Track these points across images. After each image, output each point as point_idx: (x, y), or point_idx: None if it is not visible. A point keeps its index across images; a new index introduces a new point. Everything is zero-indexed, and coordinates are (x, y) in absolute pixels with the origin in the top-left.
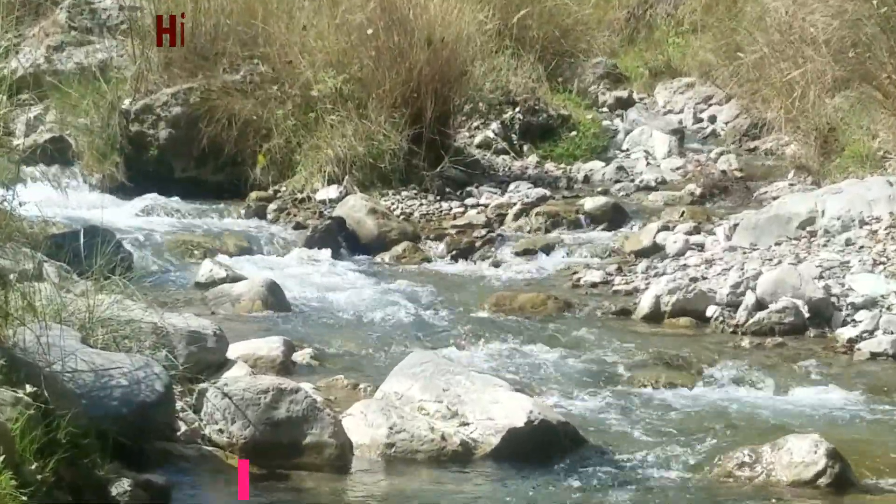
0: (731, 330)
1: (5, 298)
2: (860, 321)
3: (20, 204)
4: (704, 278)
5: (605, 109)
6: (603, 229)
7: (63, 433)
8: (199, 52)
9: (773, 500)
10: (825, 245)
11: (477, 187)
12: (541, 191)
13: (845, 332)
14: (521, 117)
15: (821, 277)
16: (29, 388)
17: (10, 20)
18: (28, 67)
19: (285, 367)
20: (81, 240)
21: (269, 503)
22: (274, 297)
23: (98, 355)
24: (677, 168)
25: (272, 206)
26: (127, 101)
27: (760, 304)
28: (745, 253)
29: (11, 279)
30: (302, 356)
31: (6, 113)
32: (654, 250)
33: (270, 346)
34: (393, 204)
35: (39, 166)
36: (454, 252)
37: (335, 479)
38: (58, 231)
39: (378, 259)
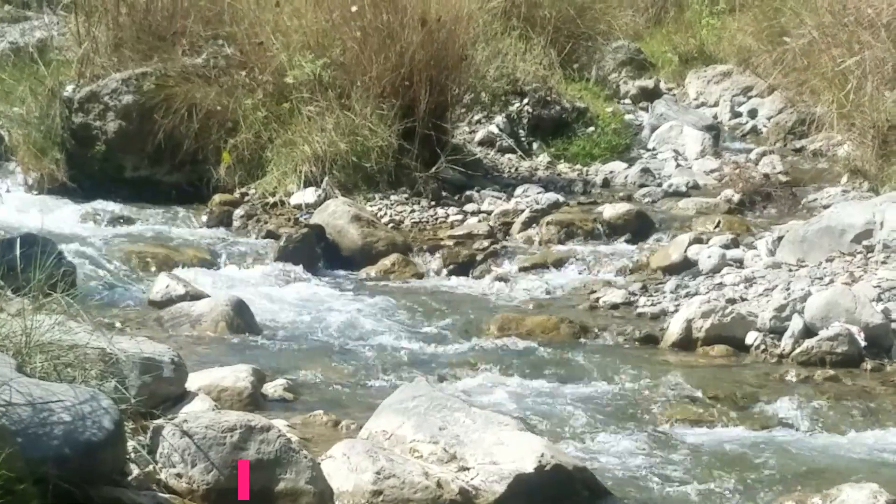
0: (774, 360)
1: None
2: None
3: None
4: (743, 300)
5: (627, 101)
6: (625, 241)
7: None
8: (154, 31)
9: None
10: (884, 262)
11: (478, 191)
12: (553, 196)
13: None
14: (530, 110)
15: (879, 300)
16: None
17: None
18: None
19: (254, 400)
20: (17, 250)
21: None
22: (241, 318)
23: (36, 386)
24: (712, 171)
25: (239, 212)
26: (70, 88)
27: (809, 331)
28: (790, 270)
29: None
30: (274, 388)
31: None
32: (685, 266)
33: (237, 376)
34: (380, 210)
35: None
36: (451, 266)
37: None
38: None
39: (363, 274)
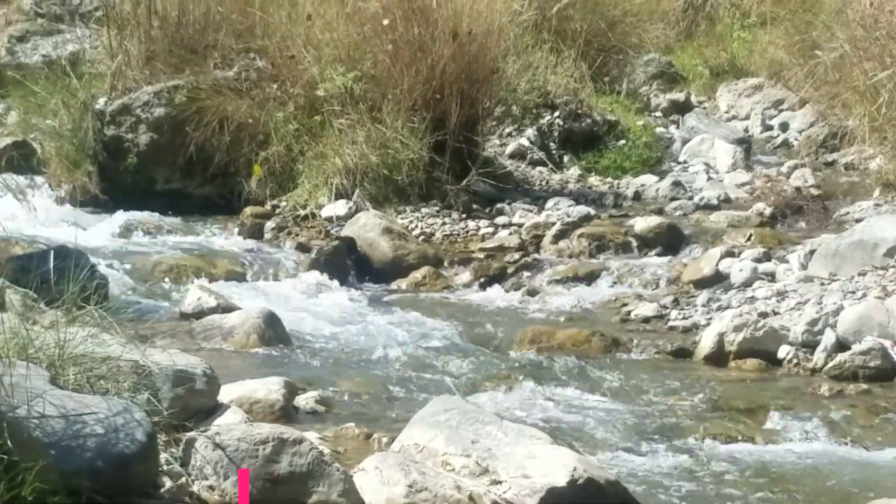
0: (806, 374)
1: None
2: None
3: None
4: (776, 313)
5: (658, 114)
6: (656, 254)
7: (29, 489)
8: (186, 44)
9: None
10: None
11: (509, 204)
12: (584, 209)
13: None
14: (561, 123)
15: None
16: None
17: None
18: None
19: (286, 412)
20: (50, 263)
21: None
22: (272, 330)
23: (69, 398)
24: (743, 184)
25: (270, 224)
26: (102, 101)
27: (841, 345)
28: (823, 284)
29: None
30: (306, 400)
31: None
32: (717, 280)
33: (269, 389)
34: (411, 222)
35: (0, 177)
36: (482, 279)
37: None
38: (22, 252)
39: (394, 286)
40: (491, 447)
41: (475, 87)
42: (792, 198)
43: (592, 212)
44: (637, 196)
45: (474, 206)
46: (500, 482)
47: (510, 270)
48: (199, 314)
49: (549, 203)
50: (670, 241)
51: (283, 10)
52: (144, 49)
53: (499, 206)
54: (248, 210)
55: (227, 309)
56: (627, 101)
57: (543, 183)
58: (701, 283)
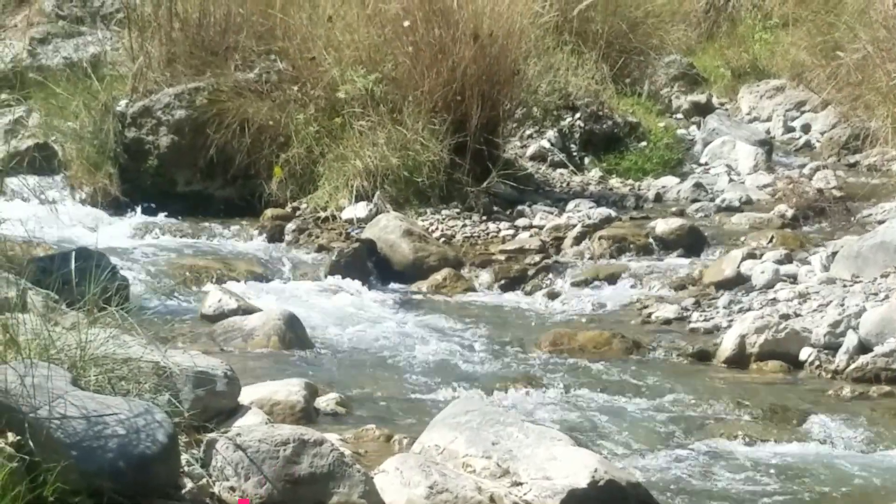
0: (829, 376)
1: None
2: None
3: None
4: (797, 315)
5: (679, 116)
6: (678, 256)
7: (50, 490)
8: (206, 46)
9: None
10: None
11: (530, 206)
12: (605, 211)
13: None
14: (582, 125)
15: None
16: (11, 437)
17: None
18: (8, 63)
19: (307, 414)
20: (72, 264)
21: None
22: (293, 332)
23: (91, 399)
24: (765, 185)
25: (290, 226)
26: (123, 103)
27: (864, 347)
28: (845, 286)
29: None
30: (326, 402)
31: None
32: (738, 282)
33: (289, 390)
34: (432, 224)
35: (21, 178)
36: (503, 281)
37: None
38: (44, 253)
39: (414, 288)
40: (512, 448)
41: (496, 89)
42: (814, 199)
43: (613, 214)
44: (658, 198)
45: (495, 208)
46: (521, 483)
47: (531, 272)
48: (220, 316)
49: (570, 205)
50: (691, 242)
51: (304, 12)
52: (165, 51)
53: (519, 208)
54: (269, 212)
55: (248, 311)
56: (649, 102)
57: (564, 185)
58: (722, 285)
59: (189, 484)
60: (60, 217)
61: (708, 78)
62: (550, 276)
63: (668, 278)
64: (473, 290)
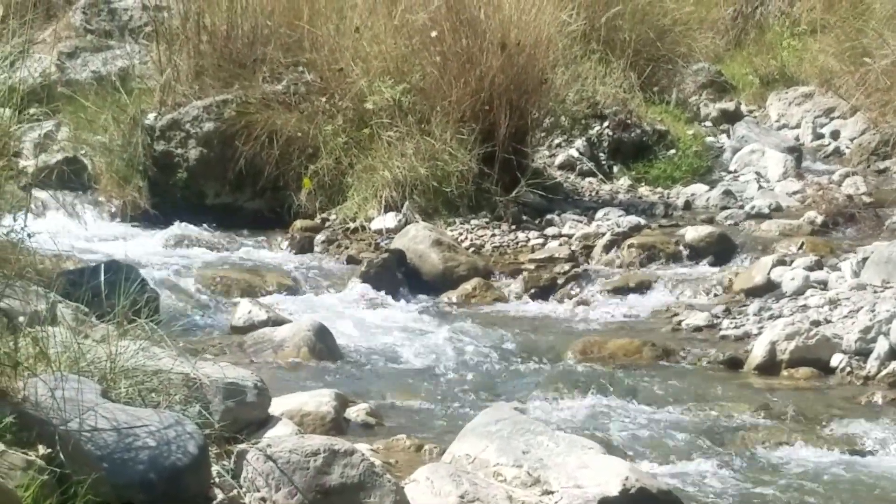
0: (860, 382)
1: (14, 345)
2: None
3: (30, 235)
4: (828, 322)
5: (708, 124)
6: (708, 264)
7: (81, 502)
8: (234, 58)
9: None
10: None
11: (559, 215)
12: (634, 219)
13: None
14: (611, 133)
15: None
16: (42, 450)
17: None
18: (37, 77)
19: (337, 424)
20: (101, 277)
21: None
22: (323, 343)
23: (121, 411)
24: (794, 192)
25: (320, 237)
26: (151, 116)
27: (895, 353)
28: (875, 292)
29: (21, 323)
30: (356, 412)
31: (13, 130)
32: (769, 289)
33: (320, 401)
34: (461, 234)
35: (51, 191)
36: (533, 290)
37: None
38: (74, 267)
39: (444, 298)
40: (542, 457)
41: (524, 99)
42: (843, 206)
43: (642, 222)
44: (687, 205)
45: (524, 218)
46: (552, 492)
47: (560, 281)
48: (250, 327)
49: (599, 213)
50: (721, 250)
51: (331, 24)
52: (193, 64)
53: (548, 217)
54: (298, 223)
55: (278, 322)
56: (677, 110)
57: (593, 193)
58: (752, 292)
59: (220, 495)
60: (90, 230)
61: (736, 85)
62: (580, 284)
63: (698, 286)
64: (503, 299)
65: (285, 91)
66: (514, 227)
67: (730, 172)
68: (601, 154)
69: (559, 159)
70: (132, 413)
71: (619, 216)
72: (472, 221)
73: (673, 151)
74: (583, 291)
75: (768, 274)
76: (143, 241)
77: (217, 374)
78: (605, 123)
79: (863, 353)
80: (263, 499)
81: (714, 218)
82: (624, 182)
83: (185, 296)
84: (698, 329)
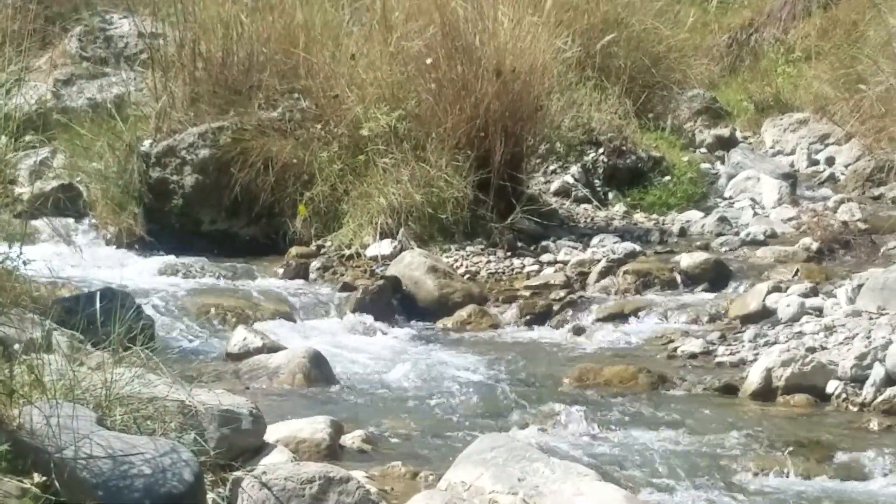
0: (856, 409)
1: (9, 373)
2: None
3: (25, 263)
4: (824, 348)
5: (703, 150)
6: (703, 290)
7: None
8: (230, 85)
9: None
10: None
11: (554, 241)
12: (629, 245)
13: None
14: (606, 160)
15: None
16: (37, 478)
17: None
18: (33, 104)
19: (332, 451)
20: (97, 304)
21: None
22: (318, 369)
23: (117, 439)
24: (789, 219)
25: (315, 264)
26: (147, 143)
27: (891, 379)
28: (871, 318)
29: (17, 350)
30: (352, 439)
31: (9, 157)
32: (764, 315)
33: (315, 428)
34: (456, 261)
35: (46, 219)
36: (528, 317)
37: None
38: (69, 294)
39: (439, 325)
40: (538, 484)
41: (519, 125)
42: (839, 232)
43: (638, 248)
44: (682, 232)
45: (519, 244)
46: None
47: (556, 308)
48: (245, 354)
49: (595, 240)
50: (716, 276)
51: (327, 51)
52: (189, 91)
53: (544, 243)
54: (294, 250)
55: (273, 349)
56: (672, 137)
57: (588, 220)
58: (748, 319)
59: None
60: (85, 257)
61: (731, 112)
62: (575, 311)
63: (693, 312)
64: (498, 325)
65: (281, 118)
66: (509, 253)
67: (725, 199)
68: (596, 180)
69: (554, 186)
70: (127, 440)
71: (615, 243)
72: (468, 248)
73: (668, 178)
74: (578, 318)
75: (763, 300)
76: (139, 268)
77: (212, 402)
78: (601, 150)
79: (858, 380)
80: None
81: (709, 244)
82: (619, 208)
83: (180, 323)
84: (694, 356)
